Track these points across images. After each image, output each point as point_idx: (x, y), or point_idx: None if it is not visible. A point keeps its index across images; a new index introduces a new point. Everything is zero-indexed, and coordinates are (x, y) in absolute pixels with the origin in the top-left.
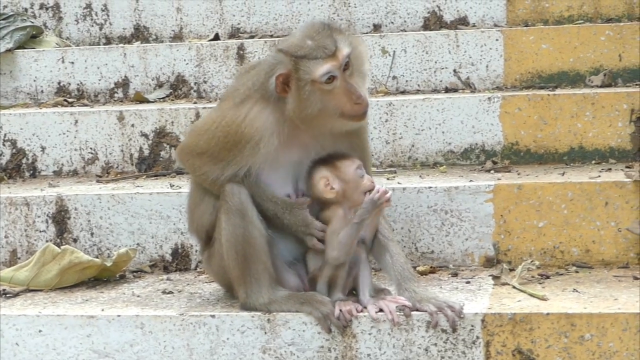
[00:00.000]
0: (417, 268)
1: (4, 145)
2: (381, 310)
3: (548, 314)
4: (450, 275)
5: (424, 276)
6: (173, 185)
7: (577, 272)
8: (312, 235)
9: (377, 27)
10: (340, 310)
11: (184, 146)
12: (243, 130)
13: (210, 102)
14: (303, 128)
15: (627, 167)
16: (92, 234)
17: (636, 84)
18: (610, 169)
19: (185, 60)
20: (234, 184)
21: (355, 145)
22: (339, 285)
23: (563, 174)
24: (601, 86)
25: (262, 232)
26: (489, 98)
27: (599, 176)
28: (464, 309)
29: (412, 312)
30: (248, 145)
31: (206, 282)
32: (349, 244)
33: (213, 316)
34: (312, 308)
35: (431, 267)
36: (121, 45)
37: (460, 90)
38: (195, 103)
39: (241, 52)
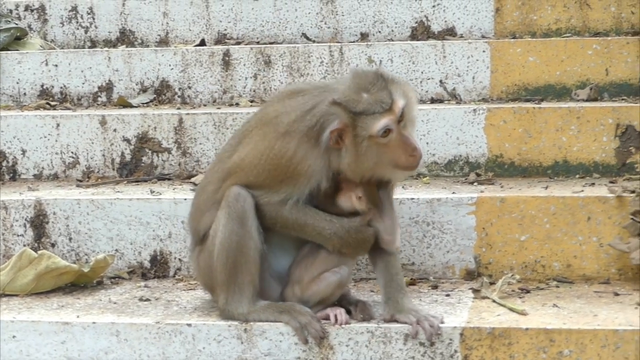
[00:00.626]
0: None
1: None
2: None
3: (527, 329)
4: (430, 288)
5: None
6: (153, 192)
7: (557, 287)
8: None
9: (364, 36)
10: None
11: (230, 184)
12: (295, 166)
13: (194, 107)
14: (355, 177)
15: (610, 182)
16: (70, 239)
17: (622, 99)
18: (594, 183)
19: (170, 65)
20: (240, 189)
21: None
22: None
23: (546, 187)
24: (587, 100)
25: (257, 245)
26: (474, 110)
27: (582, 191)
28: (443, 322)
29: (391, 324)
30: (300, 179)
31: (184, 290)
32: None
33: (189, 325)
34: (290, 317)
35: (411, 279)
36: (106, 49)
37: (446, 101)
38: (179, 109)
39: (227, 58)
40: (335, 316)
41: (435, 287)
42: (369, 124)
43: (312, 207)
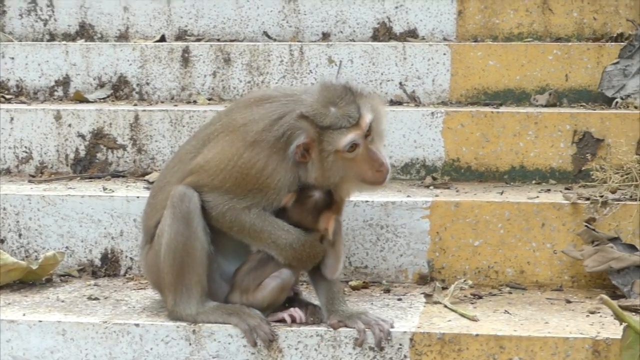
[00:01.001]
0: (350, 283)
1: None
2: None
3: (477, 335)
4: (382, 292)
5: (356, 291)
6: (106, 189)
7: (510, 293)
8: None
9: (326, 36)
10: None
11: (191, 183)
12: (265, 179)
13: (152, 104)
14: (323, 188)
15: (566, 188)
16: (20, 235)
17: (581, 105)
18: (549, 189)
19: (128, 60)
20: (186, 188)
21: None
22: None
23: (502, 193)
24: (546, 105)
25: (203, 245)
26: (432, 113)
27: (538, 197)
28: (393, 327)
29: (341, 329)
30: (269, 192)
31: (134, 289)
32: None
33: (137, 325)
34: (239, 320)
35: (364, 282)
36: (64, 42)
37: (405, 104)
38: (135, 105)
39: (186, 55)
40: (291, 316)
41: (387, 291)
42: (336, 138)
43: (271, 214)
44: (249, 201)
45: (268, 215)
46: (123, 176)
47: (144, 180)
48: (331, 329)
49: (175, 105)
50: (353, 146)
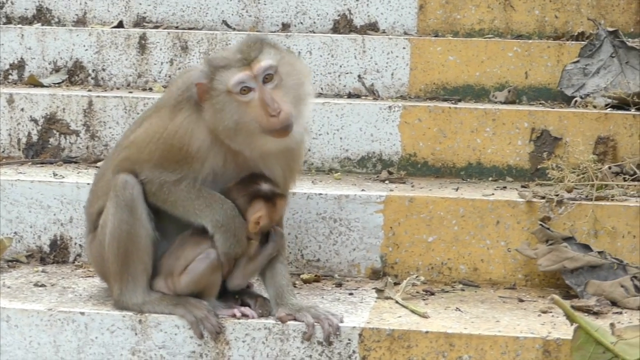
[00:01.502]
0: (302, 276)
1: None
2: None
3: (427, 332)
4: (334, 285)
5: (308, 284)
6: (57, 175)
7: (463, 290)
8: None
9: (285, 27)
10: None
11: (123, 159)
12: (188, 147)
13: (106, 90)
14: (234, 146)
15: (522, 186)
16: None
17: (540, 103)
18: (505, 187)
19: (84, 46)
20: (127, 175)
21: (290, 168)
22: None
23: (457, 189)
24: (505, 102)
25: (148, 232)
26: (389, 107)
27: (493, 194)
28: (342, 322)
29: (289, 322)
30: (193, 162)
31: (82, 277)
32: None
33: (82, 313)
34: (185, 311)
35: (316, 276)
36: (19, 25)
37: (364, 97)
38: (89, 91)
39: (143, 41)
40: (243, 313)
41: (339, 285)
42: (225, 77)
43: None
44: (178, 174)
45: (201, 188)
46: (75, 162)
47: (97, 167)
48: (279, 322)
49: (130, 92)
50: (245, 89)
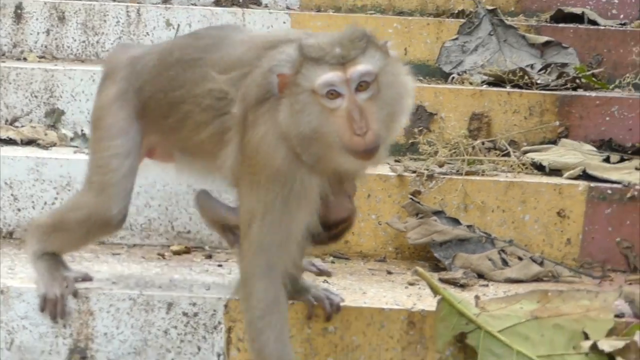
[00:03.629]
0: (172, 247)
1: None
2: None
3: (293, 303)
4: (204, 257)
5: (178, 256)
6: None
7: (333, 262)
8: None
9: None
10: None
11: None
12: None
13: None
14: (305, 158)
15: (396, 160)
16: None
17: (418, 79)
18: None
19: None
20: None
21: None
22: None
23: None
24: None
25: None
26: None
27: None
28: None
29: (154, 293)
30: None
31: None
32: None
33: None
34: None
35: (186, 247)
36: None
37: None
38: None
39: (19, 11)
40: None
41: (209, 256)
42: (313, 73)
43: None
44: None
45: None
46: None
47: None
48: (143, 295)
49: (3, 62)
50: (333, 93)
